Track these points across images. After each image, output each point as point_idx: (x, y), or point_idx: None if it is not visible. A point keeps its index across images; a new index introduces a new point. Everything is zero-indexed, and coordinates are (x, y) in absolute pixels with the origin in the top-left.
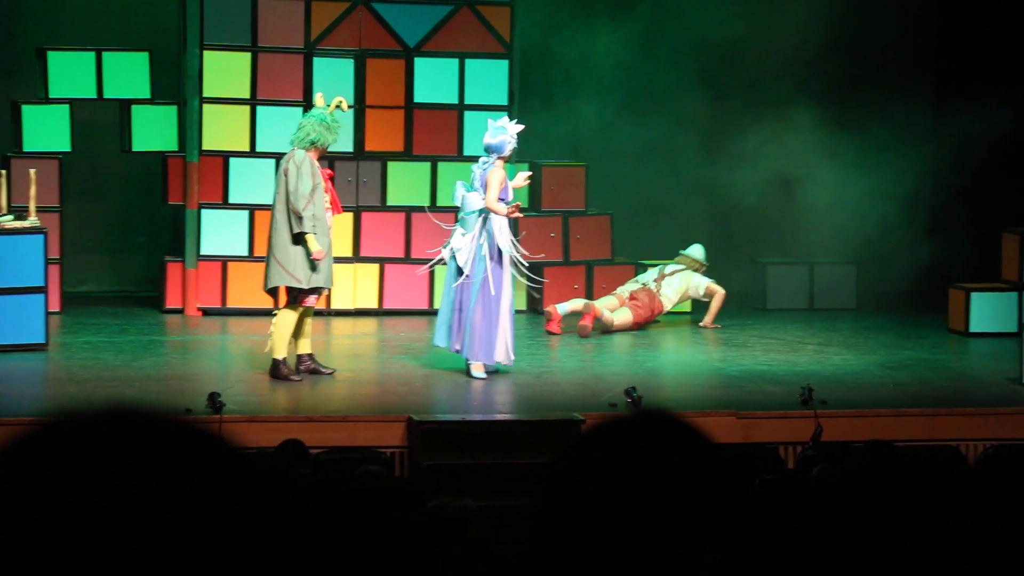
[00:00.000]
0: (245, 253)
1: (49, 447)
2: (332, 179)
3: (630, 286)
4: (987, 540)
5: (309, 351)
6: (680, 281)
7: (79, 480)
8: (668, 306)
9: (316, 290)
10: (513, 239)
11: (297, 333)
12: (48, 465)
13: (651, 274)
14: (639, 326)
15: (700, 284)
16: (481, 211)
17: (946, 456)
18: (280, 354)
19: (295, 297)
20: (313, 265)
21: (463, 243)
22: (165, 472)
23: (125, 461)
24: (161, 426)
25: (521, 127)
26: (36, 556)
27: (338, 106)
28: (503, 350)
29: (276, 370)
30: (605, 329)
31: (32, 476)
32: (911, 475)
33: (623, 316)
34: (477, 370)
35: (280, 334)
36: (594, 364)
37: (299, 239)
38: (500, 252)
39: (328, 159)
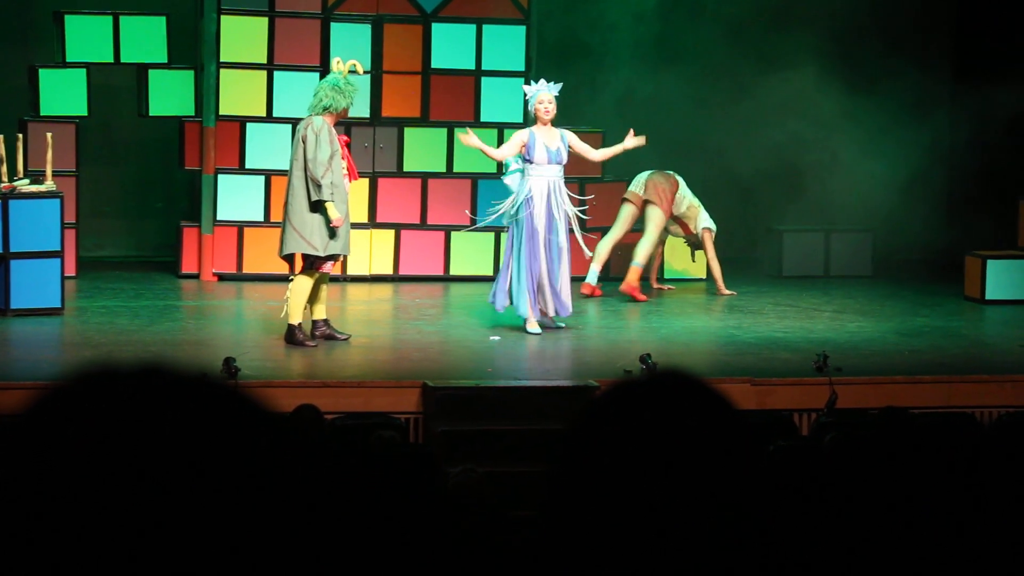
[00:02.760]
0: (261, 219)
1: (76, 402)
2: (348, 145)
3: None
4: (1002, 506)
5: (324, 316)
6: (693, 204)
7: (107, 434)
8: (677, 209)
9: (332, 256)
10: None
11: (313, 299)
12: (76, 420)
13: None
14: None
15: (704, 219)
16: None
17: (961, 423)
18: (295, 319)
19: (311, 263)
20: (331, 232)
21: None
22: (192, 427)
23: (153, 416)
24: (189, 383)
25: (539, 87)
26: (62, 512)
27: (352, 70)
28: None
29: (291, 335)
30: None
31: (60, 431)
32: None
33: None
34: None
35: (296, 300)
36: (609, 330)
37: (317, 206)
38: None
39: (344, 124)
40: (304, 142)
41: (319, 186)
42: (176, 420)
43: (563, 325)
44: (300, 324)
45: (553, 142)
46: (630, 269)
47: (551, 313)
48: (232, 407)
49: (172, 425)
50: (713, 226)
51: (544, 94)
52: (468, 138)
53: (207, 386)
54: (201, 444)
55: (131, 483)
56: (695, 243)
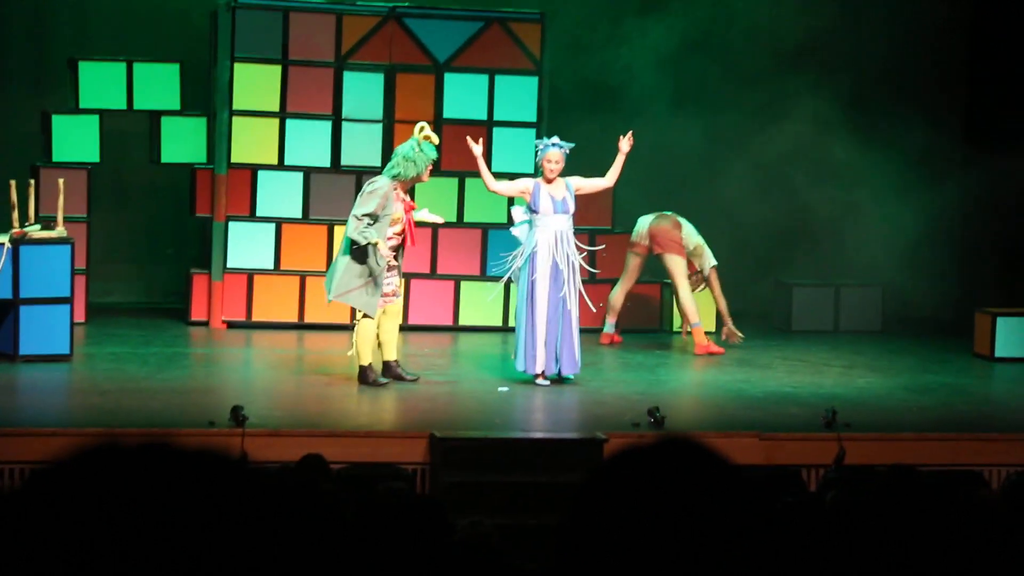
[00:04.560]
0: (271, 266)
1: (77, 473)
2: (412, 211)
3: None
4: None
5: (394, 358)
6: (699, 243)
7: (107, 506)
8: (686, 248)
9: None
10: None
11: (383, 341)
12: (76, 490)
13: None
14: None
15: (709, 257)
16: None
17: (970, 481)
18: (365, 360)
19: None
20: (351, 283)
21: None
22: (190, 498)
23: (151, 488)
24: (184, 453)
25: (549, 143)
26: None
27: (427, 137)
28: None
29: (363, 376)
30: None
31: (60, 500)
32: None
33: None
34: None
35: (360, 341)
36: (617, 383)
37: (354, 253)
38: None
39: (356, 173)
40: (359, 194)
41: (356, 235)
42: (179, 498)
43: (572, 378)
44: (371, 364)
45: (559, 192)
46: (694, 331)
47: (550, 372)
48: (235, 482)
49: (175, 502)
50: (715, 263)
51: (553, 152)
52: (475, 147)
53: (211, 461)
54: (203, 521)
55: (132, 560)
56: (699, 282)
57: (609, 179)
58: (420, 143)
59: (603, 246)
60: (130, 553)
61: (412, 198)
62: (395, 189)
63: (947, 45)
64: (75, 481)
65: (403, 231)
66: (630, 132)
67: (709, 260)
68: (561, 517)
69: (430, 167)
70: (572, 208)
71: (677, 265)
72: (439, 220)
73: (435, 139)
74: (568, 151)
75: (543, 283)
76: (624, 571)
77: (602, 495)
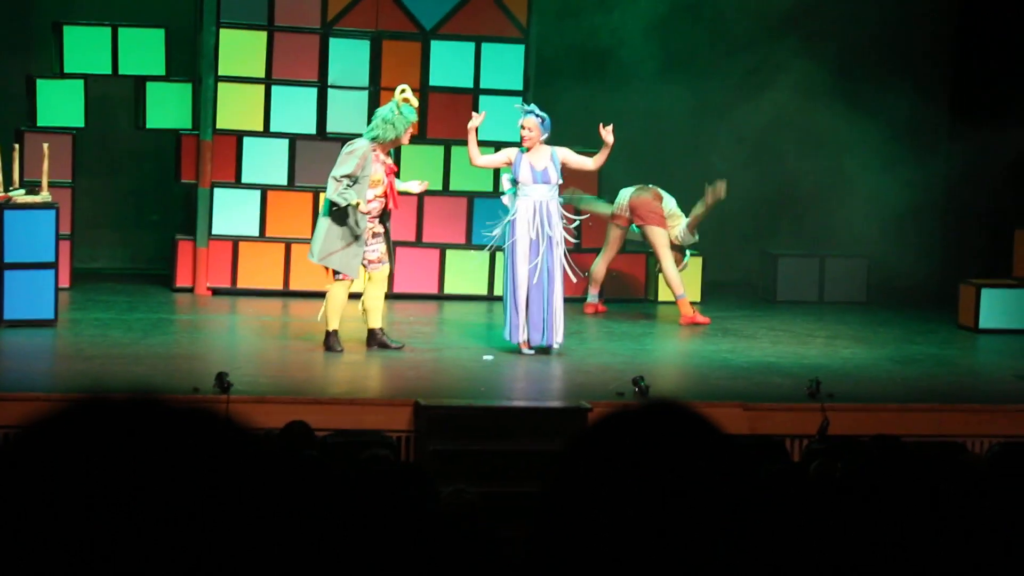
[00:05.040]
0: (256, 233)
1: (65, 430)
2: (396, 174)
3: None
4: (992, 538)
5: (379, 326)
6: (675, 213)
7: (94, 463)
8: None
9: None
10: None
11: (368, 308)
12: (64, 447)
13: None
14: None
15: (680, 230)
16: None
17: (953, 452)
18: (332, 326)
19: (336, 271)
20: (333, 244)
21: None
22: (177, 455)
23: (139, 445)
24: (172, 410)
25: (525, 108)
26: (50, 538)
27: (406, 100)
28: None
29: (327, 341)
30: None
31: (48, 458)
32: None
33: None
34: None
35: (330, 306)
36: (601, 352)
37: (333, 215)
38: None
39: (346, 139)
40: (339, 155)
41: (335, 197)
42: (167, 450)
43: (554, 348)
44: (335, 331)
45: (540, 162)
46: (679, 302)
47: (534, 342)
48: (222, 435)
49: (163, 455)
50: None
51: (528, 119)
52: (474, 120)
53: (198, 415)
54: (191, 473)
55: (121, 512)
56: (682, 256)
57: (594, 163)
58: (400, 105)
59: (588, 215)
60: (117, 510)
61: (397, 163)
62: (374, 151)
63: (935, 16)
64: (62, 436)
65: (384, 194)
66: (611, 125)
67: (679, 233)
68: (545, 482)
69: (410, 130)
70: (555, 178)
71: (659, 237)
72: (423, 187)
73: (415, 102)
74: (544, 120)
75: (522, 252)
76: (608, 538)
77: (587, 460)
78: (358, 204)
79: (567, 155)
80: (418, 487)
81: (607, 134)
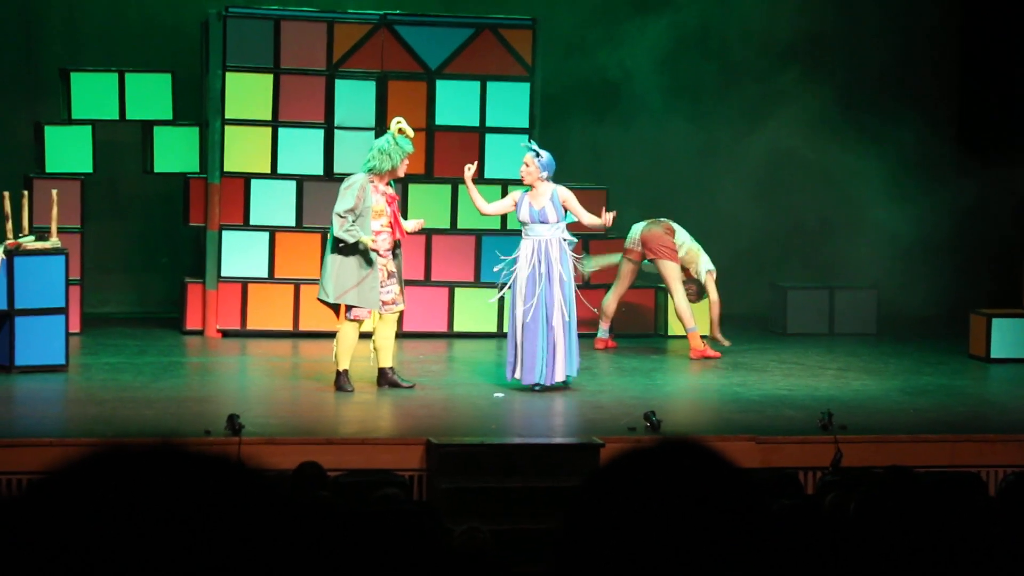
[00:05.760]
0: (265, 275)
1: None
2: (396, 203)
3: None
4: (1007, 566)
5: (389, 365)
6: (692, 248)
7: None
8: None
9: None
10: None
11: (379, 347)
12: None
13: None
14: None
15: (705, 262)
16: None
17: (967, 482)
18: (341, 366)
19: (348, 310)
20: (347, 282)
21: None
22: (196, 502)
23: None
24: (190, 457)
25: (525, 146)
26: None
27: (402, 131)
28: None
29: (337, 381)
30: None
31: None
32: (931, 501)
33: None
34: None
35: (340, 347)
36: (613, 387)
37: (339, 252)
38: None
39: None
40: (338, 193)
41: (341, 234)
42: (186, 497)
43: (565, 383)
44: (345, 371)
45: (539, 201)
46: (689, 336)
47: (525, 382)
48: (239, 481)
49: (182, 502)
50: (713, 268)
51: (527, 156)
52: (467, 172)
53: (215, 463)
54: (210, 519)
55: (136, 557)
56: (698, 289)
57: (586, 221)
58: (396, 136)
59: (581, 256)
60: (135, 556)
61: (404, 203)
62: (371, 182)
63: (940, 48)
64: (82, 485)
65: (390, 224)
66: (613, 212)
67: (705, 265)
68: (561, 519)
69: (406, 161)
70: (553, 217)
71: (671, 270)
72: (419, 226)
73: (410, 132)
74: (543, 158)
75: (519, 291)
76: (625, 573)
77: (602, 497)
78: (364, 240)
79: (567, 198)
80: (428, 526)
81: (608, 217)
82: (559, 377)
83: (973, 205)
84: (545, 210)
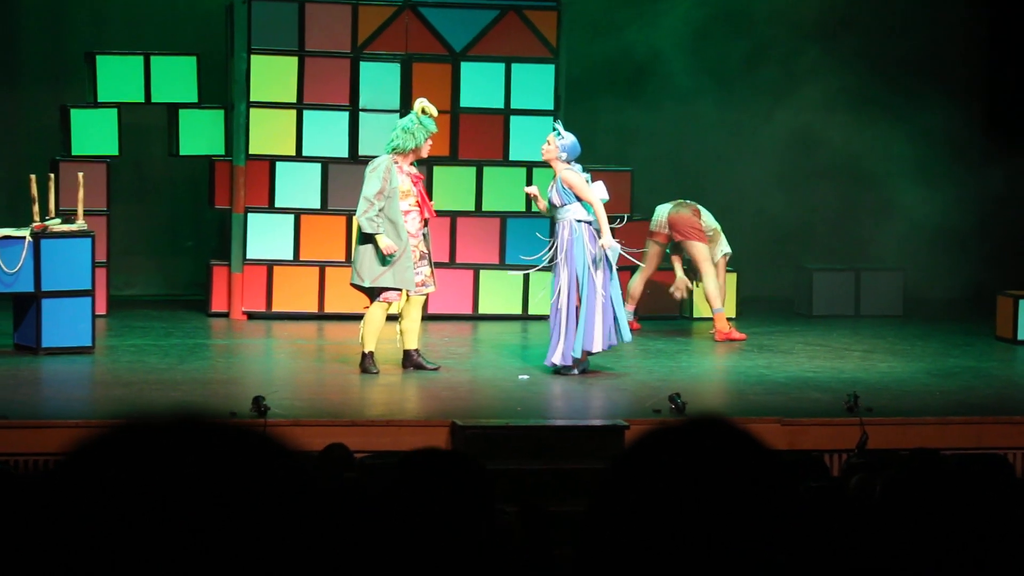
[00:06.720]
0: (291, 257)
1: (112, 452)
2: (422, 183)
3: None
4: None
5: (414, 347)
6: (715, 228)
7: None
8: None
9: (391, 288)
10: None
11: (405, 329)
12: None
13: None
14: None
15: (724, 245)
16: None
17: (993, 465)
18: (368, 347)
19: (373, 293)
20: (381, 264)
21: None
22: (222, 475)
23: (186, 465)
24: (215, 429)
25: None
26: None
27: (425, 110)
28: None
29: (363, 363)
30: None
31: (92, 482)
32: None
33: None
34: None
35: (367, 329)
36: (638, 370)
37: (368, 238)
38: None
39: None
40: (364, 177)
41: (366, 219)
42: (211, 469)
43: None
44: (371, 352)
45: (551, 185)
46: (715, 317)
47: (550, 362)
48: (265, 454)
49: (207, 474)
50: (730, 251)
51: (549, 135)
52: (530, 189)
53: (241, 434)
54: (234, 492)
55: (165, 532)
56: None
57: (593, 206)
58: (419, 116)
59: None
60: (160, 531)
61: (429, 185)
62: (396, 163)
63: (969, 32)
64: (107, 460)
65: (417, 203)
66: (619, 248)
67: (723, 247)
68: (589, 499)
69: (430, 141)
70: (559, 201)
71: (700, 251)
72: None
73: (434, 112)
74: (563, 137)
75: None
76: (653, 554)
77: (631, 476)
78: (387, 246)
79: (570, 180)
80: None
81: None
82: (555, 360)
83: (1000, 192)
84: (552, 191)
